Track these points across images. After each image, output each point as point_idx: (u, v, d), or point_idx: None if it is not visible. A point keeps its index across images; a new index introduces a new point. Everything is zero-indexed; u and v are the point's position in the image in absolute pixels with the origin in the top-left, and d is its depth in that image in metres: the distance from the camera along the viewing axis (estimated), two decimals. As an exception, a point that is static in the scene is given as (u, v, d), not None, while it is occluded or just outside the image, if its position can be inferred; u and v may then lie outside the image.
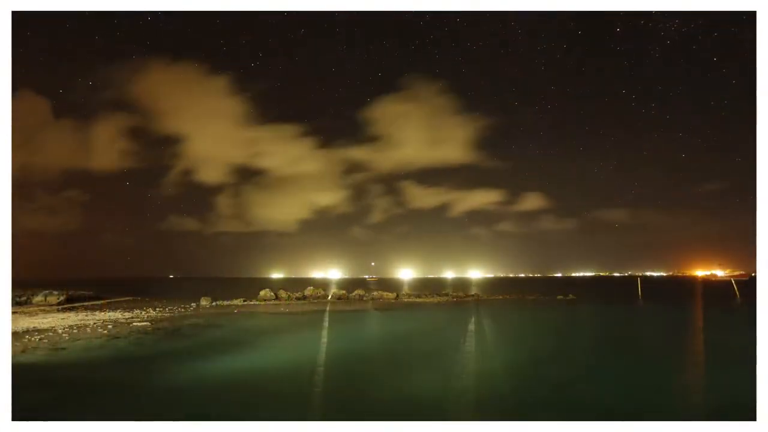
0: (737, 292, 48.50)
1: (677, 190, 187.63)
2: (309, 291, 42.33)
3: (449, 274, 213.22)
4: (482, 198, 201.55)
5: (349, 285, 57.16)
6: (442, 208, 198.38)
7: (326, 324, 23.10)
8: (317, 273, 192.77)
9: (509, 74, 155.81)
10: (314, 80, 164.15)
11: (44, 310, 29.49)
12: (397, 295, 43.79)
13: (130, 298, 44.51)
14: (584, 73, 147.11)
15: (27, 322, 22.02)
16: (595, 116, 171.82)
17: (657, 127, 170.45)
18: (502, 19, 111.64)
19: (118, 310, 29.09)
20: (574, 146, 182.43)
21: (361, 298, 42.66)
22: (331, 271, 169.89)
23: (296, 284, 59.62)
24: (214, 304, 35.56)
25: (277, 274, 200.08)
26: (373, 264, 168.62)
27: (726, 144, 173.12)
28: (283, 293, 40.73)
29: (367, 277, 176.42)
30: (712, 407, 8.55)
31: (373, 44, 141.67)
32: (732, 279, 76.06)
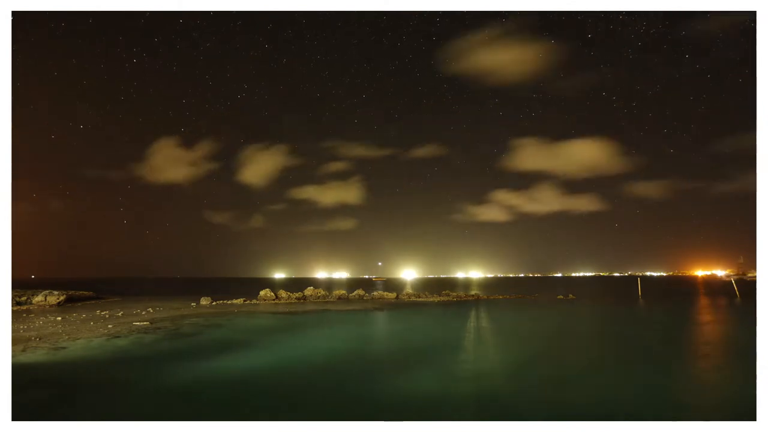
0: (737, 292, 48.45)
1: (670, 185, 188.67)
2: (309, 291, 42.38)
3: (452, 274, 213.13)
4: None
5: (354, 285, 56.96)
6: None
7: (326, 323, 23.11)
8: (321, 273, 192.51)
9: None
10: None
11: (44, 310, 29.51)
12: (398, 295, 43.81)
13: (130, 297, 44.55)
14: (564, 79, 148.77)
15: (27, 322, 22.04)
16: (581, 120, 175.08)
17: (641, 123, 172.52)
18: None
19: (118, 310, 29.10)
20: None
21: (361, 298, 42.71)
22: (337, 272, 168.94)
23: (299, 284, 59.59)
24: (214, 303, 35.60)
25: (279, 275, 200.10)
26: (380, 264, 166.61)
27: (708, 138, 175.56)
28: (283, 293, 40.77)
29: (373, 277, 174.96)
30: (712, 407, 8.55)
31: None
32: (732, 279, 76.03)
